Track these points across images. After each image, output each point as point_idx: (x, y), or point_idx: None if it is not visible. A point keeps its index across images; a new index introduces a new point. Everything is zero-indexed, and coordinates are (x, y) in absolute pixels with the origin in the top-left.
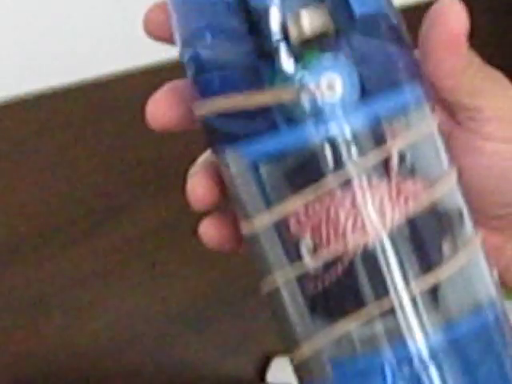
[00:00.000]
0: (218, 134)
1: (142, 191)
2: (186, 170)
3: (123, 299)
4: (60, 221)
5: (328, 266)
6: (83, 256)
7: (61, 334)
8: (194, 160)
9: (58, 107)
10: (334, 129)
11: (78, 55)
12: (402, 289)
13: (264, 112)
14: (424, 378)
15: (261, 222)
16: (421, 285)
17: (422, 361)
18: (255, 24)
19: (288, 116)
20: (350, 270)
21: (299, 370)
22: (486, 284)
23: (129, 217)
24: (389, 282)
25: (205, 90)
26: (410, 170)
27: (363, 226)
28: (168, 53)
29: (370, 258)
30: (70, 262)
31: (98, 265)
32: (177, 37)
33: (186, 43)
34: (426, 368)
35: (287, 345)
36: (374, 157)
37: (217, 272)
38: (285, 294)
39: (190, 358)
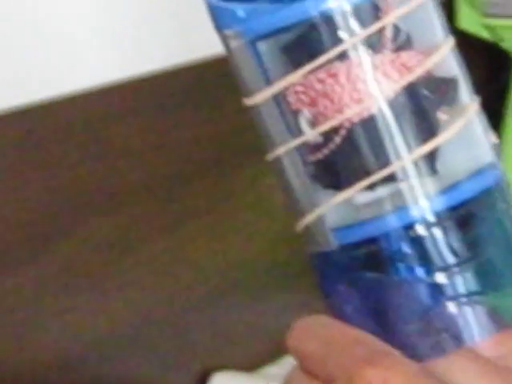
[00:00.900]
0: (218, 13)
1: (89, 211)
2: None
3: (67, 320)
4: (4, 244)
5: (328, 136)
6: (29, 277)
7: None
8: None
9: None
10: (330, 2)
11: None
12: (402, 155)
13: None
14: (428, 241)
15: (262, 95)
16: (420, 150)
17: (425, 224)
18: None
19: None
20: (350, 139)
21: (305, 238)
22: (484, 148)
23: (75, 237)
24: (388, 149)
25: None
26: (405, 41)
27: (360, 96)
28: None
29: (368, 127)
30: (15, 284)
31: (41, 287)
32: None
33: None
34: (429, 231)
35: (294, 215)
36: (370, 29)
37: (159, 289)
38: (287, 165)
39: (128, 373)
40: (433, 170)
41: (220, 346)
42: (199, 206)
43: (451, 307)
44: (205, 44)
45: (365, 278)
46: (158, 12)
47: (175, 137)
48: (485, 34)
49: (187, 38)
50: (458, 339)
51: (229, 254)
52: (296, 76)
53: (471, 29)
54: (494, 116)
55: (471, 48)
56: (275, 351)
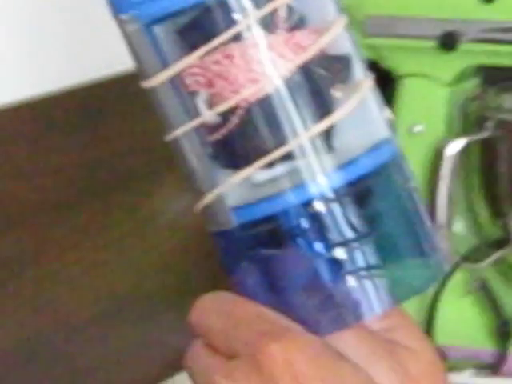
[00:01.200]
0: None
1: None
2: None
3: None
4: None
5: (225, 116)
6: None
7: None
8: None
9: None
10: None
11: None
12: (299, 133)
13: None
14: (326, 216)
15: (159, 78)
16: (316, 128)
17: (323, 200)
18: None
19: None
20: (247, 119)
21: (206, 218)
22: (379, 124)
23: None
24: (285, 128)
25: None
26: (298, 21)
27: (255, 76)
28: None
29: (264, 107)
30: None
31: None
32: None
33: None
34: (327, 207)
35: (194, 195)
36: (263, 10)
37: (46, 311)
38: (187, 146)
39: None
40: (329, 147)
41: (109, 366)
42: (84, 229)
43: (350, 281)
44: (84, 69)
45: (265, 255)
46: (45, 34)
47: (59, 161)
48: (366, 54)
49: (63, 64)
50: (357, 313)
51: (114, 278)
52: (192, 58)
53: None
54: None
55: None
56: (164, 371)
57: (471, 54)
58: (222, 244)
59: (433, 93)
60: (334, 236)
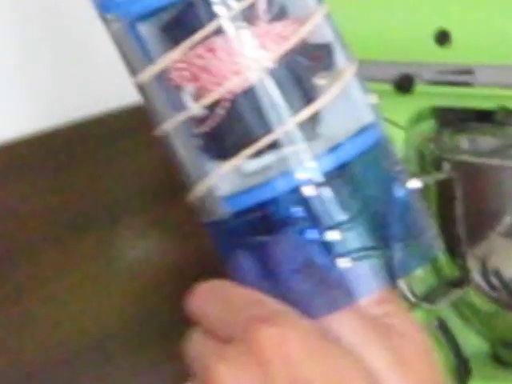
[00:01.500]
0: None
1: None
2: None
3: None
4: None
5: (212, 109)
6: None
7: None
8: None
9: None
10: None
11: None
12: (284, 121)
13: None
14: (316, 201)
15: (145, 74)
16: (301, 115)
17: (311, 186)
18: None
19: None
20: (233, 110)
21: (197, 210)
22: (363, 109)
23: None
24: (270, 117)
25: None
26: (279, 11)
27: (239, 68)
28: None
29: (249, 97)
30: None
31: None
32: None
33: None
34: (316, 192)
35: (186, 188)
36: (243, 2)
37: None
38: (176, 139)
39: None
40: (315, 134)
41: None
42: (48, 272)
43: (342, 264)
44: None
45: (258, 242)
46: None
47: (17, 205)
48: None
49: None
50: (350, 295)
51: (75, 322)
52: (176, 53)
53: None
54: None
55: None
56: None
57: (427, 96)
58: (215, 233)
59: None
60: (324, 220)
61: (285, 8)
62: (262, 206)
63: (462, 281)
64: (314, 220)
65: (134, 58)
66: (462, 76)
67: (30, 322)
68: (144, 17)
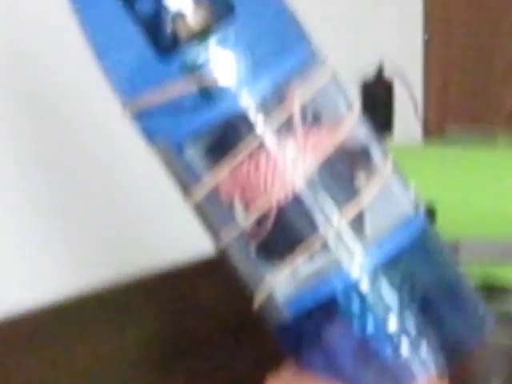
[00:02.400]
0: (147, 127)
1: None
2: None
3: None
4: None
5: (261, 220)
6: None
7: None
8: None
9: None
10: (242, 101)
11: None
12: (330, 224)
13: (182, 99)
14: (371, 296)
15: (197, 195)
16: (346, 217)
17: (366, 281)
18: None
19: (201, 98)
20: (281, 220)
21: (261, 316)
22: (403, 203)
23: None
24: (319, 221)
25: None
26: (313, 120)
27: (282, 180)
28: None
29: (294, 207)
30: None
31: None
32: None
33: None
34: (372, 287)
35: (248, 295)
36: (279, 117)
37: None
38: (232, 253)
39: None
40: (361, 232)
41: None
42: None
43: (404, 351)
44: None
45: (323, 340)
46: None
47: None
48: None
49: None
50: (413, 379)
51: None
52: (222, 172)
53: None
54: None
55: None
56: None
57: None
58: (282, 337)
59: None
60: (380, 312)
61: (318, 116)
62: (320, 306)
63: None
64: (372, 313)
65: (182, 179)
66: None
67: None
68: (189, 141)
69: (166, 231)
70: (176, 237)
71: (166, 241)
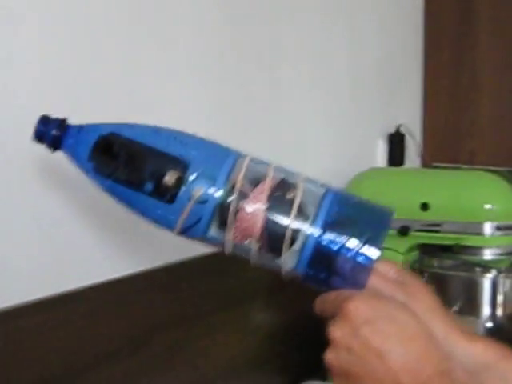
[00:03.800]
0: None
1: None
2: None
3: None
4: None
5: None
6: None
7: None
8: None
9: None
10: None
11: None
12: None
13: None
14: (328, 237)
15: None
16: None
17: (323, 232)
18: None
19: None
20: (268, 238)
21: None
22: (316, 191)
23: None
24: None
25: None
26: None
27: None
28: None
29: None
30: None
31: None
32: None
33: None
34: (327, 234)
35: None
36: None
37: None
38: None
39: None
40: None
41: None
42: None
43: (359, 259)
44: None
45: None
46: None
47: None
48: None
49: None
50: (368, 268)
51: None
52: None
53: None
54: None
55: None
56: None
57: (415, 238)
58: (309, 282)
59: (393, 258)
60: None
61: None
62: (312, 259)
63: None
64: (334, 243)
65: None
66: (434, 227)
67: None
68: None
69: None
70: None
71: None
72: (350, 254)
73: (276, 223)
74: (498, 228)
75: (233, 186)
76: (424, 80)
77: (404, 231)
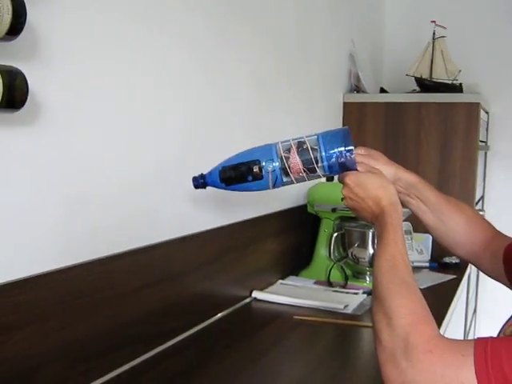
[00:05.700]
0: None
1: None
2: None
3: None
4: None
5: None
6: None
7: None
8: None
9: None
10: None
11: None
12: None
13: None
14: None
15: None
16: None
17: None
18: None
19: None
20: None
21: None
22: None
23: None
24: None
25: None
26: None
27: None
28: None
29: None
30: None
31: None
32: None
33: None
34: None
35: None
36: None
37: None
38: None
39: None
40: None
41: None
42: None
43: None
44: None
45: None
46: None
47: None
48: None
49: None
50: (353, 159)
51: None
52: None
53: None
54: None
55: None
56: None
57: (339, 213)
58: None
59: (328, 223)
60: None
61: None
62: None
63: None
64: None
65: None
66: (346, 208)
67: None
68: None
69: None
70: None
71: None
72: (343, 154)
73: (306, 160)
74: None
75: (281, 158)
76: None
77: (334, 210)
